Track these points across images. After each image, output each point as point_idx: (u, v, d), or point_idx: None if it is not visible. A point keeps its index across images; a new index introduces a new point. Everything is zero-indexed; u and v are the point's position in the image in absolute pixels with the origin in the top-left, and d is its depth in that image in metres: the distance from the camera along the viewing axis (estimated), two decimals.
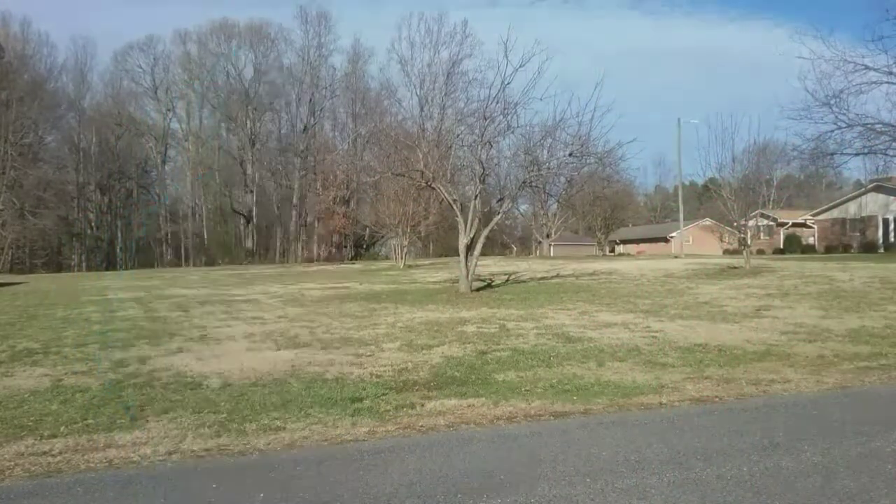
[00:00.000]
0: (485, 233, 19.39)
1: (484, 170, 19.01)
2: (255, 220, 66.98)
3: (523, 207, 63.03)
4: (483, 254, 22.26)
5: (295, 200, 67.04)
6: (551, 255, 55.06)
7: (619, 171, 43.79)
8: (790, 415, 5.98)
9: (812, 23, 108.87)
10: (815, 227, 47.79)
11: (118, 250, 64.74)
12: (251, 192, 67.05)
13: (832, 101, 23.64)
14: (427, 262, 44.57)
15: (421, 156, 19.12)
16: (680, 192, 48.61)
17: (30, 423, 5.81)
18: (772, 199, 26.99)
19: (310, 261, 58.88)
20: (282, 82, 70.10)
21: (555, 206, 56.57)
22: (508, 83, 18.27)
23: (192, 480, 4.44)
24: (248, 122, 68.24)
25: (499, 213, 20.92)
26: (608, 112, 21.14)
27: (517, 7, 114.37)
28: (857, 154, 26.50)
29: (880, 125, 24.51)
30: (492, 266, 30.82)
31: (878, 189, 42.69)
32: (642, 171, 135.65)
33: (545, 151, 19.99)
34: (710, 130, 61.44)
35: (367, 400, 6.53)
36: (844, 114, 23.90)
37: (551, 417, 5.94)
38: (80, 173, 62.70)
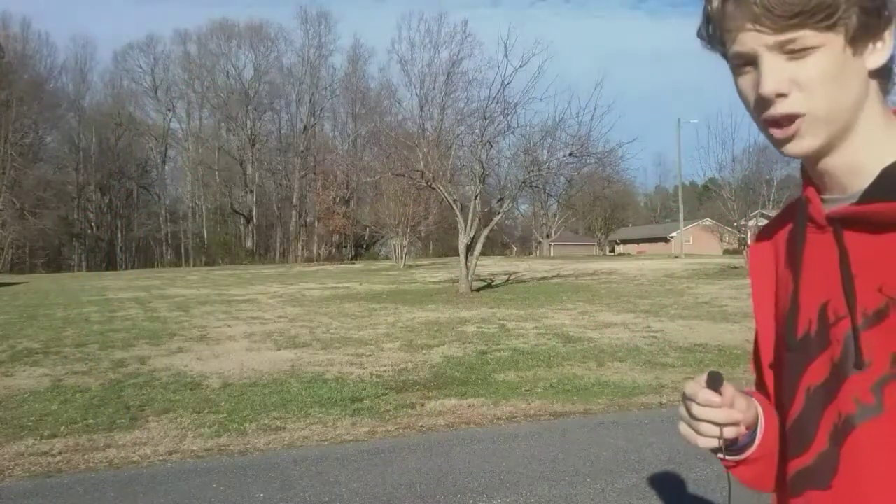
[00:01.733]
0: (485, 233, 19.40)
1: (484, 170, 19.03)
2: (255, 220, 66.93)
3: (523, 207, 63.04)
4: (483, 254, 22.27)
5: (295, 200, 67.01)
6: (551, 255, 55.11)
7: (619, 171, 43.68)
8: None
9: None
10: None
11: (118, 250, 64.79)
12: (251, 192, 67.02)
13: None
14: (427, 262, 44.57)
15: (421, 156, 19.13)
16: (680, 192, 48.64)
17: (30, 423, 5.81)
18: (772, 199, 26.97)
19: (310, 261, 58.83)
20: (282, 82, 70.12)
21: (555, 206, 56.57)
22: (508, 83, 18.38)
23: (192, 480, 4.43)
24: (247, 122, 68.22)
25: (499, 213, 20.93)
26: (608, 112, 21.19)
27: (517, 7, 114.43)
28: None
29: None
30: (492, 266, 30.81)
31: None
32: (642, 171, 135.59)
33: (545, 151, 20.06)
34: (710, 130, 61.45)
35: (367, 400, 6.53)
36: None
37: (551, 417, 5.94)
38: (80, 173, 62.63)
